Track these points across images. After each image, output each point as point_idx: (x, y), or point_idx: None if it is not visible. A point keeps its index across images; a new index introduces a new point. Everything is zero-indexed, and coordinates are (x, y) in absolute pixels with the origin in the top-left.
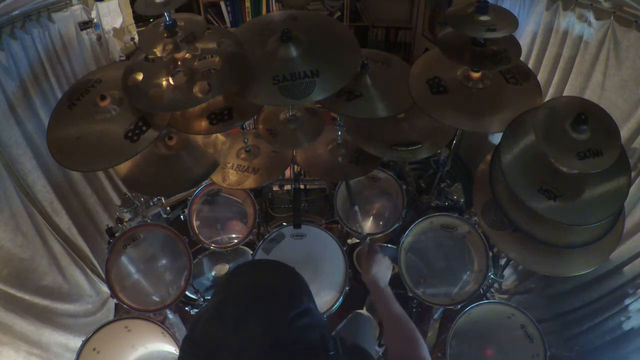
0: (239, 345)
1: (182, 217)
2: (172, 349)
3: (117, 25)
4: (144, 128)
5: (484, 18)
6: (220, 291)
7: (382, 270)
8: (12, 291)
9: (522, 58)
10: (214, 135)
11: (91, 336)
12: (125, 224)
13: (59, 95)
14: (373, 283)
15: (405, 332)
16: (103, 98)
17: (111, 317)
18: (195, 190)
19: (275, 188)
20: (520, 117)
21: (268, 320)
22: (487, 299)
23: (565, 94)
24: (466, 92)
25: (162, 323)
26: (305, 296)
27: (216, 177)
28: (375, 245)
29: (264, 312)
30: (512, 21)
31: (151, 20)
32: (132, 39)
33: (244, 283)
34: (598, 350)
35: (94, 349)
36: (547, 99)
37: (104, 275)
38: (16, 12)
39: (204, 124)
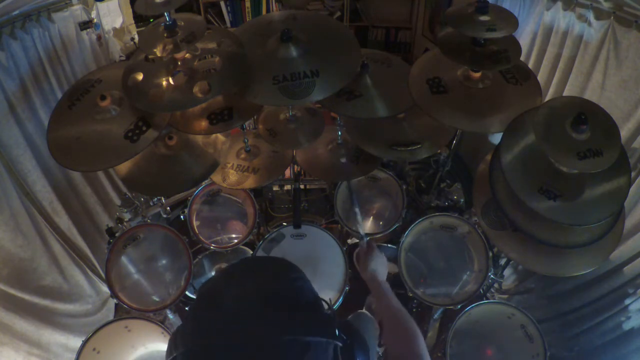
0: (240, 294)
1: (182, 217)
2: None
3: (117, 25)
4: (144, 128)
5: (484, 18)
6: (232, 265)
7: (380, 265)
8: (12, 291)
9: (522, 58)
10: (214, 135)
11: (91, 336)
12: (125, 224)
13: (59, 95)
14: (372, 278)
15: (404, 327)
16: (103, 98)
17: (111, 317)
18: (195, 190)
19: (275, 188)
20: (520, 117)
21: (269, 279)
22: (487, 299)
23: (565, 94)
24: (466, 92)
25: (162, 323)
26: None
27: (216, 177)
28: (372, 242)
29: (268, 273)
30: (512, 21)
31: (151, 20)
32: (132, 39)
33: (255, 258)
34: (598, 350)
35: (94, 349)
36: (547, 99)
37: (104, 275)
38: (16, 12)
39: (204, 124)
